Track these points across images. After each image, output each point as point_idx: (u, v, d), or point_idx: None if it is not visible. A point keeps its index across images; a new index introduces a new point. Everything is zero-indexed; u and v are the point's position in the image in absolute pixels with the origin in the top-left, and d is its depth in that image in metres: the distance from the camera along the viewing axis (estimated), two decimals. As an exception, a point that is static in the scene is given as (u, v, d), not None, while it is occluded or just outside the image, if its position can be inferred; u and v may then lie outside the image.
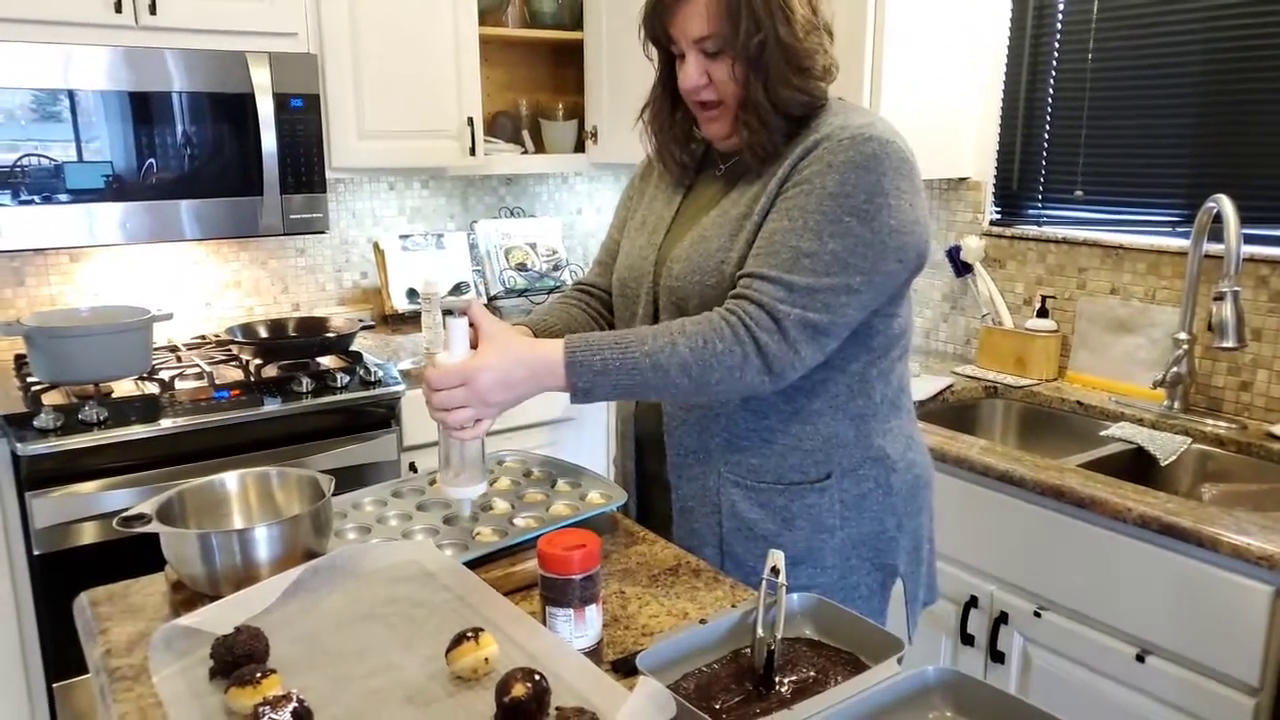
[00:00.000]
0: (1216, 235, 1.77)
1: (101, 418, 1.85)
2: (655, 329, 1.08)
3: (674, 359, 1.05)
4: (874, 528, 1.21)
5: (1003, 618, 1.65)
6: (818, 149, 1.10)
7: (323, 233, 2.31)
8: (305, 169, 2.22)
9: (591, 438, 2.59)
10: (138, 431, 1.87)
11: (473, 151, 2.52)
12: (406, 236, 2.71)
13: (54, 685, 1.90)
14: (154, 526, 1.01)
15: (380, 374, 2.16)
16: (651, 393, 1.08)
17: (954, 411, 2.10)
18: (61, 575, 1.85)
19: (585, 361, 1.04)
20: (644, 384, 1.06)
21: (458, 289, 2.74)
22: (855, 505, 1.19)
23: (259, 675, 0.80)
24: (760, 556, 1.17)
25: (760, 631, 0.87)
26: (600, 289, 1.37)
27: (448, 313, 1.04)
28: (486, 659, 0.84)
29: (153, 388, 1.98)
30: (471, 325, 1.05)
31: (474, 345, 1.05)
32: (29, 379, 1.98)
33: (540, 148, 2.89)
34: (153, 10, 2.02)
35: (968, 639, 1.72)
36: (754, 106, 1.11)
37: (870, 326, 1.15)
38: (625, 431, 1.31)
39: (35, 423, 1.80)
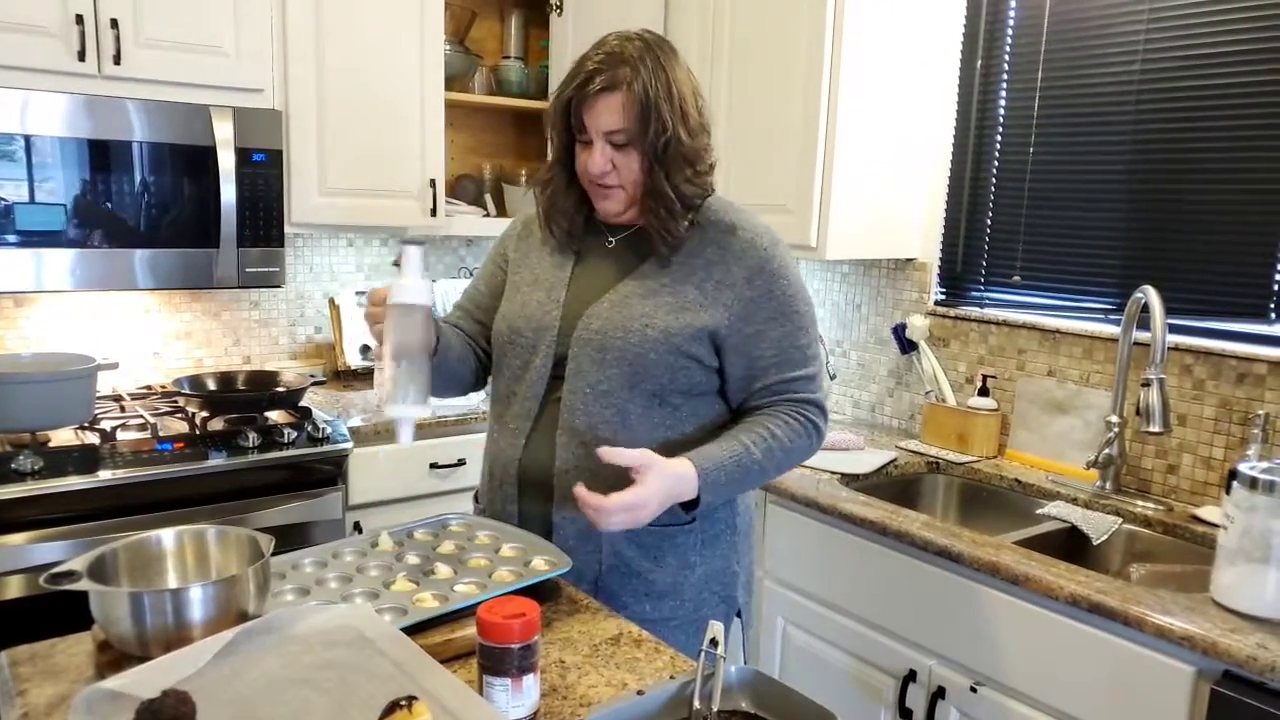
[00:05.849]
0: (1146, 324, 1.86)
1: (36, 467, 1.80)
2: (749, 437, 1.29)
3: (772, 461, 1.30)
4: (722, 564, 1.40)
5: (940, 692, 1.67)
6: (753, 252, 1.31)
7: (278, 287, 2.31)
8: (264, 223, 2.23)
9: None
10: (73, 483, 1.82)
11: (434, 212, 2.56)
12: (363, 293, 2.72)
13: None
14: (84, 584, 0.99)
15: (329, 430, 2.14)
16: (748, 489, 1.33)
17: (897, 485, 2.14)
18: (-21, 631, 1.77)
19: (715, 480, 1.25)
20: (749, 485, 1.31)
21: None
22: (711, 543, 1.38)
23: (184, 742, 0.79)
24: (632, 591, 1.34)
25: (697, 704, 0.88)
26: (462, 330, 1.49)
27: (407, 242, 1.19)
28: (420, 729, 0.83)
29: (93, 438, 1.93)
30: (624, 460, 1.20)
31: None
32: (-39, 425, 1.93)
33: (502, 211, 2.94)
34: (117, 60, 2.04)
35: (906, 713, 1.73)
36: (658, 195, 1.28)
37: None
38: (503, 477, 1.39)
39: (-36, 470, 1.75)
